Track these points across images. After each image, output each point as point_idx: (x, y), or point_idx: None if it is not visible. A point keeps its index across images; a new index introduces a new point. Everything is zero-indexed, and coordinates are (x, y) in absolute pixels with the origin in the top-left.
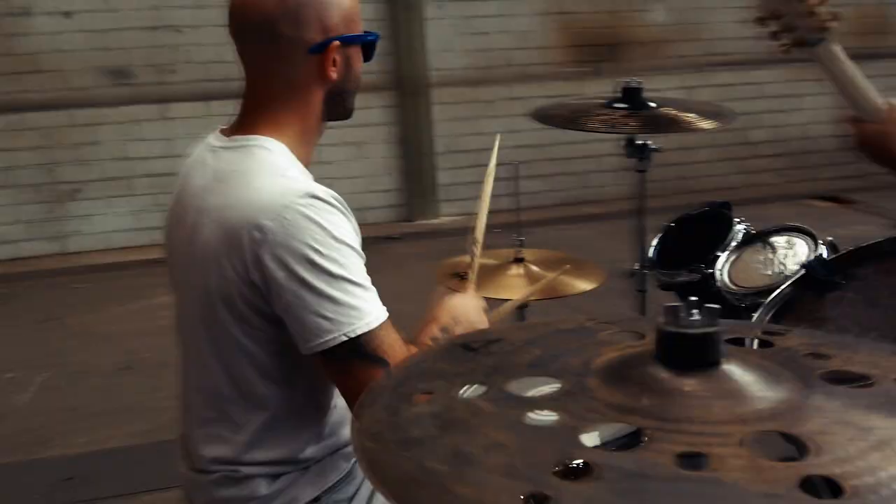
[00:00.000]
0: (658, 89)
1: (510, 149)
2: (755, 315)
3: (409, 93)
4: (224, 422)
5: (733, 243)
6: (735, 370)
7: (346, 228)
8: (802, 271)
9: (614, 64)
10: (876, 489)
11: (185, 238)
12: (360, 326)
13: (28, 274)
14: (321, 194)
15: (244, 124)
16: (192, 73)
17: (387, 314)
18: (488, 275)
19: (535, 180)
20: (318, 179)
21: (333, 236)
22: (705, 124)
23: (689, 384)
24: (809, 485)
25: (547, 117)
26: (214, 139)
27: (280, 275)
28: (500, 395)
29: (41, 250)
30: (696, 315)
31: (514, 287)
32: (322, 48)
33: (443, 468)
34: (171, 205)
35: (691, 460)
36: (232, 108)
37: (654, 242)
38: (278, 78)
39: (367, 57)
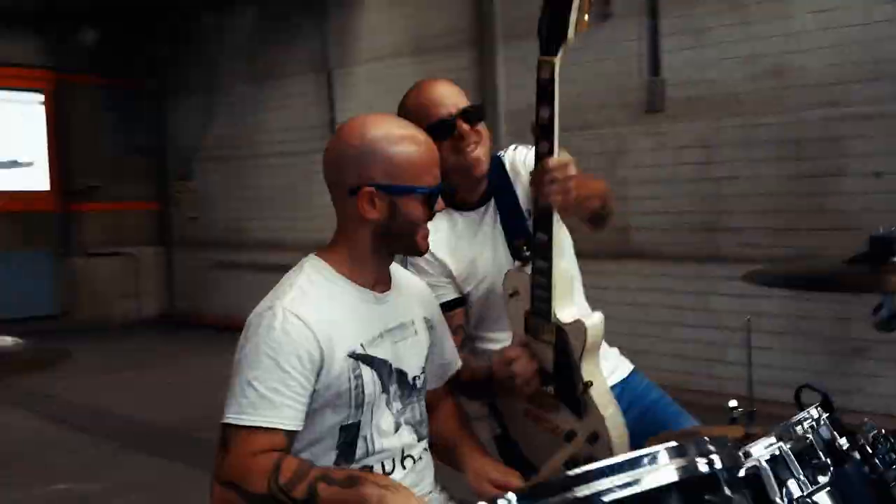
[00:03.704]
0: None
1: None
2: None
3: None
4: None
5: None
6: None
7: (278, 343)
8: None
9: None
10: None
11: None
12: (225, 416)
13: None
14: (278, 311)
15: None
16: None
17: (268, 426)
18: None
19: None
20: None
21: (259, 344)
22: None
23: None
24: None
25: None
26: None
27: None
28: None
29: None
30: None
31: None
32: (355, 191)
33: None
34: None
35: None
36: None
37: None
38: (337, 213)
39: (430, 206)
